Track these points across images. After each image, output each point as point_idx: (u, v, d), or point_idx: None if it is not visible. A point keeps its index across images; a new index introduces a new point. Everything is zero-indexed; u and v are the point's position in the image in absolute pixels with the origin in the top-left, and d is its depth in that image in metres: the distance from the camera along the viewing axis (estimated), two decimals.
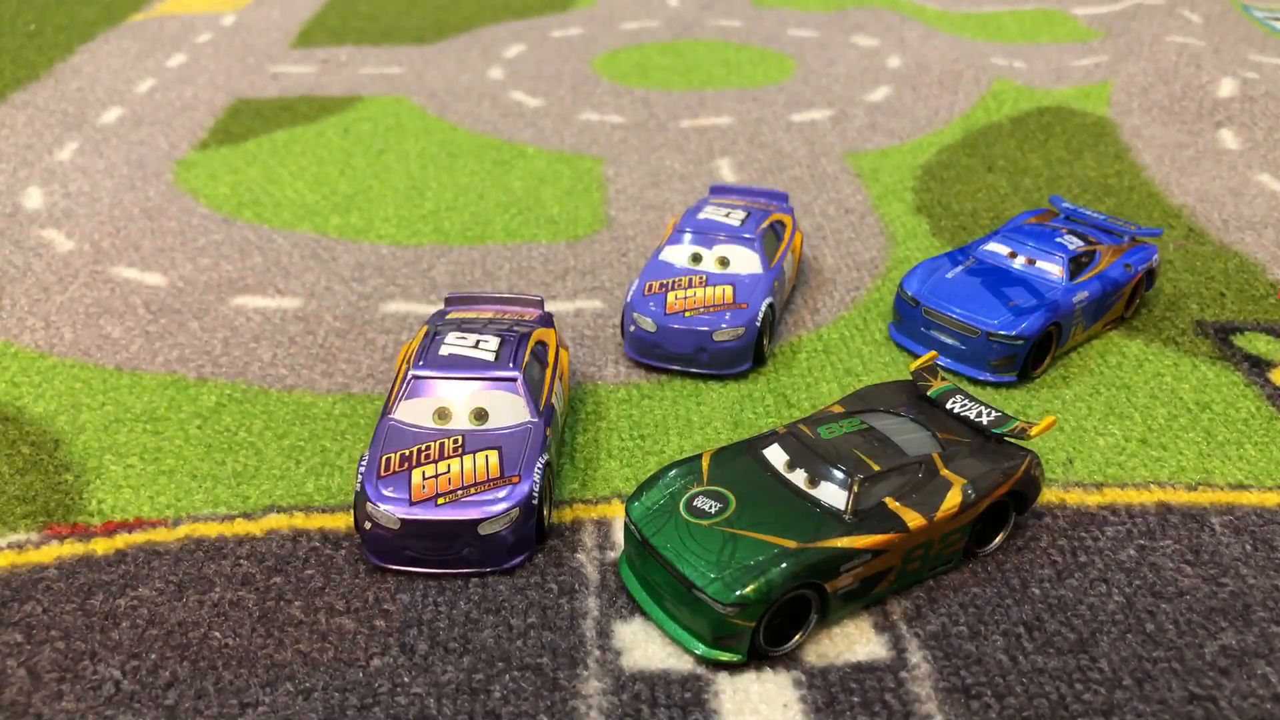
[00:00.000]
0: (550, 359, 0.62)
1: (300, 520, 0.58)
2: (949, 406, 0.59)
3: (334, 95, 1.20)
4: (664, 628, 0.50)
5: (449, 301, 0.68)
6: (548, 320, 0.66)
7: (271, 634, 0.50)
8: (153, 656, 0.49)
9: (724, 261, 0.73)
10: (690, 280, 0.72)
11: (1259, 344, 0.74)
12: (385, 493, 0.53)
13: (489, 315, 0.66)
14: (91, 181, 0.99)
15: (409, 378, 0.58)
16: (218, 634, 0.50)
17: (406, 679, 0.48)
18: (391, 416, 0.57)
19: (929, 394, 0.60)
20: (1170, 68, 1.23)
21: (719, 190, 0.85)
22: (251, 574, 0.54)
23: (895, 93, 1.21)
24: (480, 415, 0.56)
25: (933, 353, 0.65)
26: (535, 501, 0.53)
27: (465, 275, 0.83)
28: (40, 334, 0.75)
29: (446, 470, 0.53)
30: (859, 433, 0.55)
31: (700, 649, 0.49)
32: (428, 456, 0.54)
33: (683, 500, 0.52)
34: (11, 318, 0.77)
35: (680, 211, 0.93)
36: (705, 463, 0.54)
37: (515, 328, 0.62)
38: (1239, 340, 0.75)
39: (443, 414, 0.57)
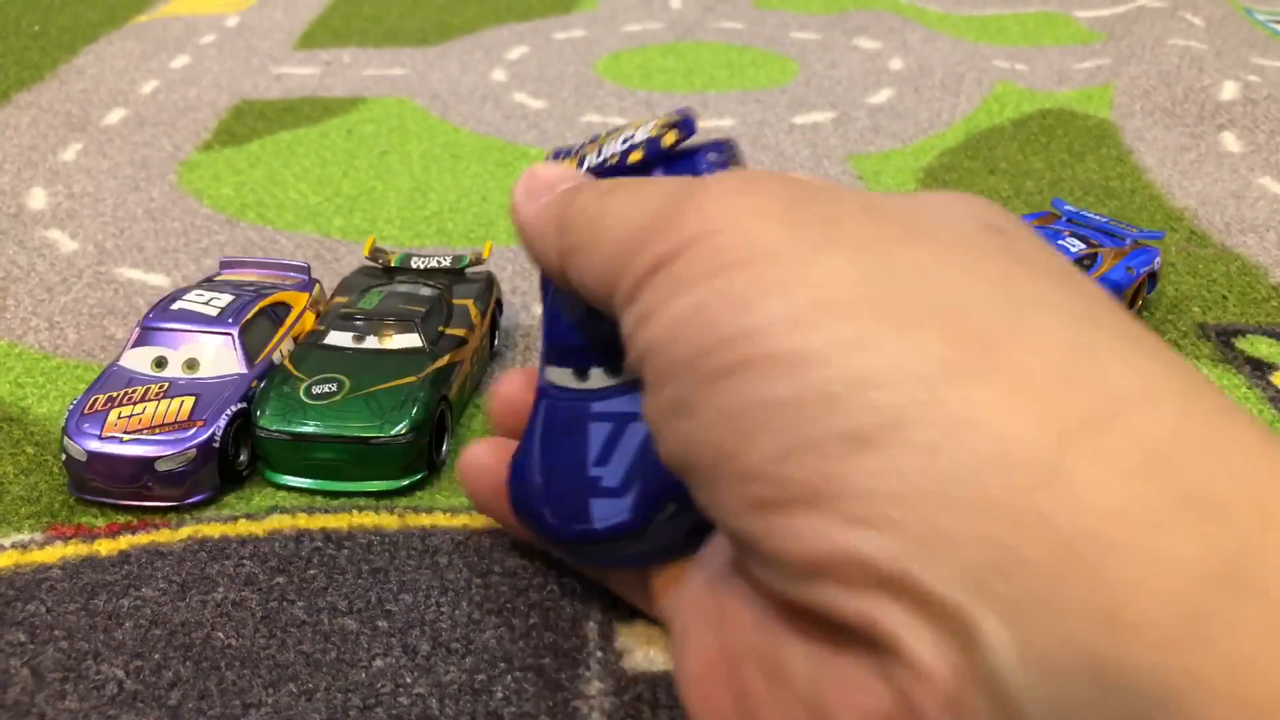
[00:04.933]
0: (290, 319, 0.67)
1: (303, 520, 0.58)
2: (413, 265, 0.73)
3: (337, 97, 1.21)
4: (350, 492, 0.59)
5: (223, 265, 0.74)
6: (307, 285, 0.71)
7: (274, 634, 0.50)
8: (156, 656, 0.49)
9: None
10: None
11: (1261, 347, 0.74)
12: (83, 428, 0.58)
13: (252, 278, 0.72)
14: (95, 182, 0.99)
15: (137, 329, 0.64)
16: (221, 634, 0.50)
17: (409, 680, 0.48)
18: (118, 363, 0.62)
19: (394, 264, 0.73)
20: (1172, 70, 1.23)
21: None
22: (255, 574, 0.54)
23: (897, 95, 1.21)
24: (191, 365, 0.62)
25: (372, 239, 0.75)
26: (216, 445, 0.58)
27: None
28: (44, 335, 0.75)
29: (142, 411, 0.58)
30: (388, 297, 0.67)
31: (398, 484, 0.58)
32: (130, 399, 0.59)
33: (301, 393, 0.60)
34: (15, 318, 0.77)
35: None
36: (288, 365, 0.62)
37: (261, 290, 0.68)
38: (1241, 343, 0.75)
39: (160, 362, 0.62)
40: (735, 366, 0.28)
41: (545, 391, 0.47)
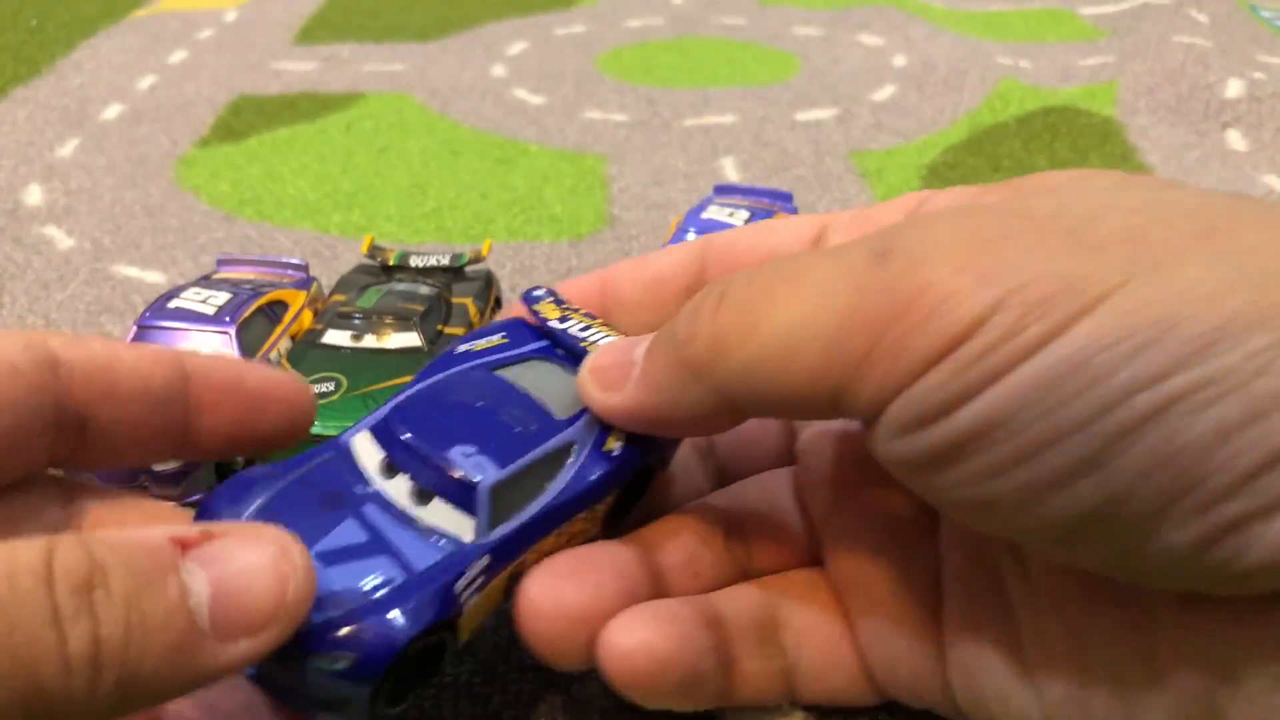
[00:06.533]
0: (288, 317, 0.67)
1: None
2: (412, 263, 0.72)
3: (336, 92, 1.20)
4: None
5: (220, 262, 0.74)
6: (305, 283, 0.71)
7: None
8: None
9: None
10: None
11: None
12: None
13: (249, 276, 0.71)
14: (92, 178, 0.99)
15: (133, 327, 0.63)
16: None
17: None
18: None
19: (392, 262, 0.72)
20: (1177, 68, 1.22)
21: (723, 190, 0.84)
22: None
23: (900, 92, 1.21)
24: None
25: (370, 237, 0.75)
26: None
27: None
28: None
29: None
30: (386, 295, 0.67)
31: None
32: None
33: None
34: (12, 315, 0.77)
35: (683, 211, 0.92)
36: (285, 364, 0.62)
37: (258, 288, 0.67)
38: None
39: None
40: (1159, 407, 0.27)
41: (336, 447, 0.41)
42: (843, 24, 1.44)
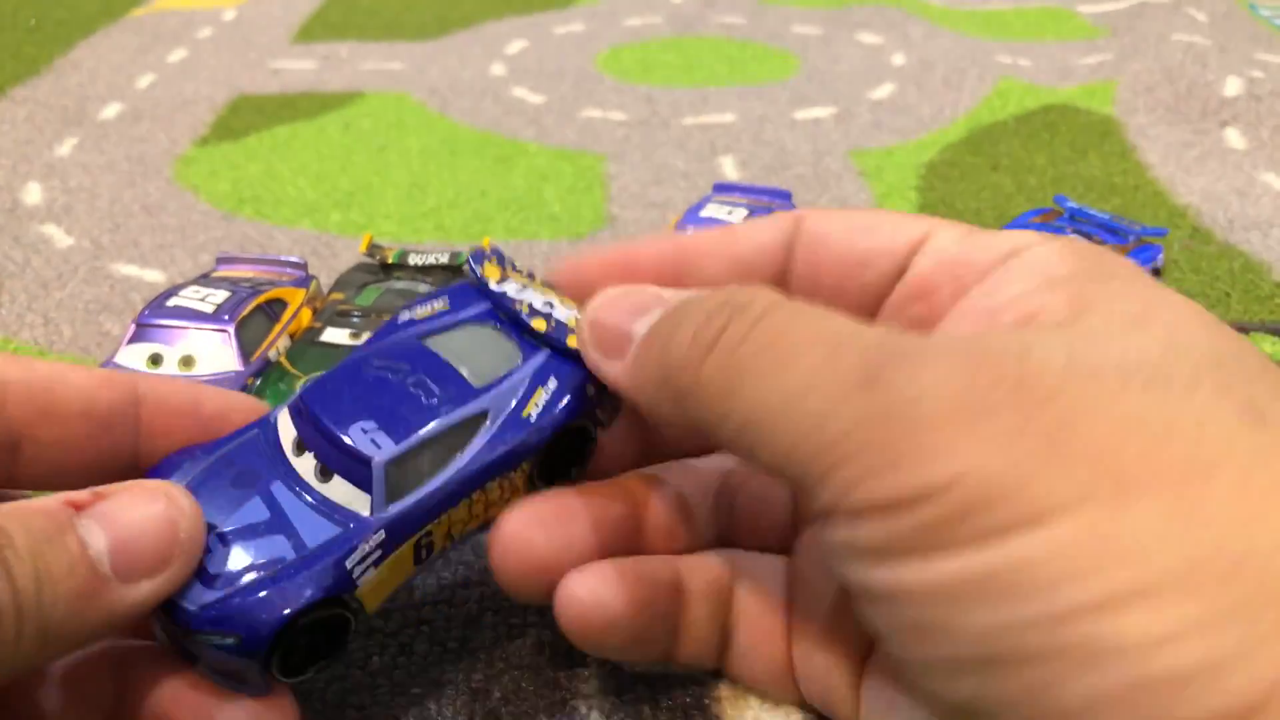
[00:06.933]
0: (287, 315, 0.67)
1: None
2: (411, 261, 0.72)
3: (335, 91, 1.20)
4: None
5: (219, 261, 0.74)
6: (304, 282, 0.71)
7: None
8: None
9: None
10: None
11: (1264, 345, 0.74)
12: None
13: (248, 274, 0.71)
14: (91, 177, 0.99)
15: (132, 325, 0.64)
16: None
17: (406, 679, 0.48)
18: (113, 359, 0.63)
19: (391, 260, 0.73)
20: (1176, 66, 1.22)
21: (722, 188, 0.84)
22: None
23: (899, 90, 1.21)
24: (188, 361, 0.62)
25: (369, 235, 0.76)
26: None
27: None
28: (39, 330, 0.75)
29: None
30: (385, 293, 0.67)
31: None
32: None
33: (297, 390, 0.60)
34: (10, 314, 0.77)
35: (682, 210, 0.92)
36: (284, 362, 0.62)
37: (257, 286, 0.67)
38: None
39: (155, 359, 0.62)
40: (1050, 653, 0.27)
41: (264, 423, 0.42)
42: (842, 23, 1.44)
